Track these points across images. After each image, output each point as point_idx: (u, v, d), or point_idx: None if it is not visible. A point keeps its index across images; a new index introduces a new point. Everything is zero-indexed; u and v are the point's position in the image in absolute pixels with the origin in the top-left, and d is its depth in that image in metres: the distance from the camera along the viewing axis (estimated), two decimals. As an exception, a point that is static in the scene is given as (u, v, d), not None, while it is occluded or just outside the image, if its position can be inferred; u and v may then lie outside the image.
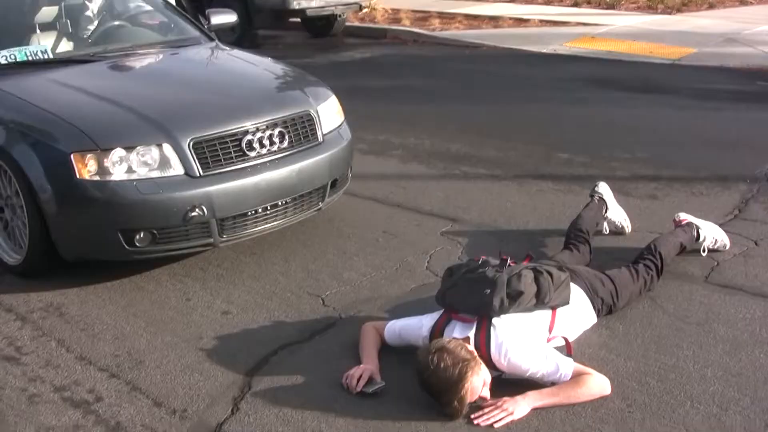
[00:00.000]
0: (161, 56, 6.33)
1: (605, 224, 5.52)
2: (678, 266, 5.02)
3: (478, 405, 3.65)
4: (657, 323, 4.41)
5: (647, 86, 10.53)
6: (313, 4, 14.29)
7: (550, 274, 4.03)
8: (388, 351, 4.12)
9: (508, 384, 3.76)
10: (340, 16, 15.54)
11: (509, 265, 4.07)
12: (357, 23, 16.49)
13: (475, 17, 16.49)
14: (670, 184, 6.61)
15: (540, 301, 3.96)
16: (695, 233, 5.17)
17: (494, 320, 3.84)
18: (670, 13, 16.51)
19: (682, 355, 4.09)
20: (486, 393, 3.65)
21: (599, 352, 4.13)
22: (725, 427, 3.54)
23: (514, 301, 3.88)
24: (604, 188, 5.61)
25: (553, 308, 4.03)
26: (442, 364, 3.55)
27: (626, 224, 5.59)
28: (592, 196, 5.57)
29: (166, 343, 4.34)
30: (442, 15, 16.77)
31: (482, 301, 3.87)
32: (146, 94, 5.43)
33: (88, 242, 4.89)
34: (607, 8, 17.28)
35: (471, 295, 3.92)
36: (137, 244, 4.79)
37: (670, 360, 4.04)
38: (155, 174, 4.76)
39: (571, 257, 4.86)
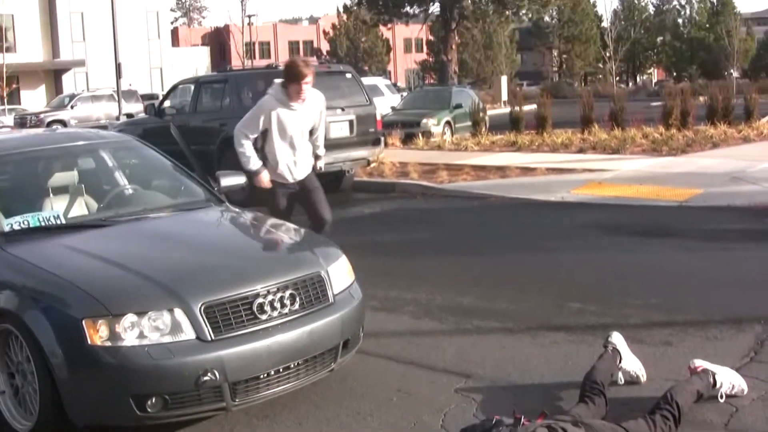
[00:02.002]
0: (172, 220, 6.40)
1: (620, 374, 5.47)
2: (696, 414, 4.94)
3: None
4: (678, 476, 4.32)
5: (656, 230, 10.61)
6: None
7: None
8: None
9: None
10: (348, 171, 15.71)
11: (523, 424, 4.03)
12: (365, 178, 16.69)
13: (482, 168, 16.76)
14: (684, 329, 6.57)
15: (556, 458, 3.90)
16: (711, 380, 5.11)
17: (510, 480, 3.79)
18: (674, 155, 16.78)
19: None
20: None
21: None
22: None
23: (529, 459, 3.82)
24: (617, 338, 5.58)
25: (570, 465, 3.97)
26: None
27: (641, 373, 5.53)
28: (605, 346, 5.54)
29: None
30: (449, 167, 17.05)
31: (497, 461, 3.82)
32: (157, 258, 5.48)
33: (100, 408, 4.84)
34: (612, 153, 17.60)
35: (486, 456, 3.87)
36: (149, 410, 4.75)
37: None
38: (167, 339, 4.77)
39: (587, 410, 4.79)
